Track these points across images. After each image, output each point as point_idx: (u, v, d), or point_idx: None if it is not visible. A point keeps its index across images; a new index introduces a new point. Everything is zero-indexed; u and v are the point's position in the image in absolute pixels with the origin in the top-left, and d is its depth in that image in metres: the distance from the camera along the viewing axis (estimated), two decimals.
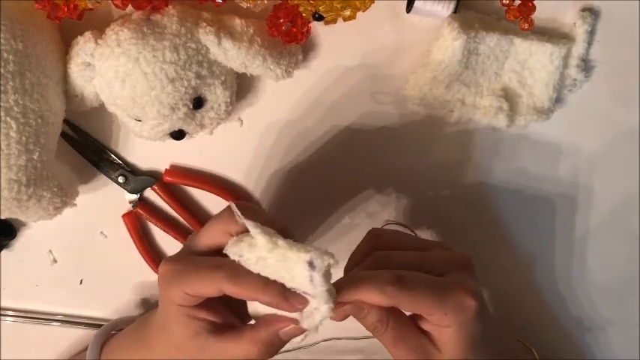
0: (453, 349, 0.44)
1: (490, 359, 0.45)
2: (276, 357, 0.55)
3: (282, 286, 0.41)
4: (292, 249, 0.41)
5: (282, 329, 0.43)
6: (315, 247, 0.41)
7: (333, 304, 0.41)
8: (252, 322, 0.45)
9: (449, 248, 0.49)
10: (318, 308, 0.41)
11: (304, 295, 0.41)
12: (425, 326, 0.45)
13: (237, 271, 0.42)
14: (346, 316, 0.45)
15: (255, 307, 0.44)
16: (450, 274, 0.45)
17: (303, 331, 0.43)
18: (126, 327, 0.54)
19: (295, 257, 0.40)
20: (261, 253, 0.41)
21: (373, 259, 0.46)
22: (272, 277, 0.41)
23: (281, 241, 0.41)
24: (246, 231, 0.43)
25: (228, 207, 0.44)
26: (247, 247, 0.42)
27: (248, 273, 0.41)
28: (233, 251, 0.42)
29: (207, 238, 0.45)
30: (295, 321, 0.42)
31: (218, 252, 0.44)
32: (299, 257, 0.40)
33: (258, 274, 0.41)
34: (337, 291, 0.41)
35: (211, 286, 0.42)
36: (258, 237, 0.41)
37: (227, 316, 0.46)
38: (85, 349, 0.58)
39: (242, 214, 0.42)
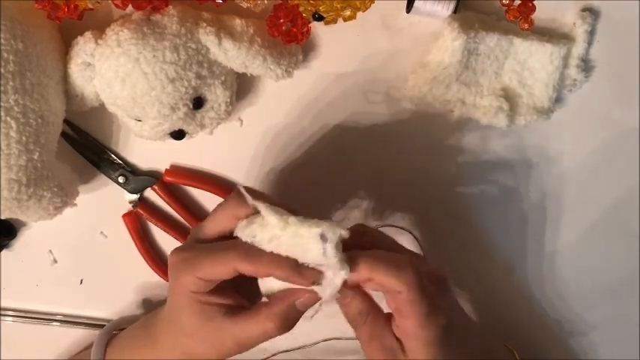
0: (417, 351, 0.44)
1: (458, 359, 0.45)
2: (276, 357, 0.55)
3: (296, 261, 0.42)
4: (304, 225, 0.42)
5: (297, 300, 0.43)
6: (326, 220, 0.42)
7: (347, 273, 0.41)
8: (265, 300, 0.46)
9: (425, 262, 0.49)
10: (332, 279, 0.42)
11: (318, 267, 0.42)
12: (397, 332, 0.44)
13: (250, 250, 0.42)
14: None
15: (271, 285, 0.45)
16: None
17: (318, 299, 0.43)
18: (129, 326, 0.54)
19: (307, 232, 0.41)
20: (274, 231, 0.42)
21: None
22: (286, 254, 0.42)
23: (292, 219, 0.42)
24: (254, 214, 0.44)
25: (235, 191, 0.45)
26: (259, 228, 0.43)
27: (261, 250, 0.42)
28: (245, 233, 0.43)
29: (216, 224, 0.45)
30: (311, 291, 0.43)
31: (226, 238, 0.45)
32: (311, 232, 0.41)
33: (271, 253, 0.42)
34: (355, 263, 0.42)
35: (226, 266, 0.42)
36: (270, 216, 0.42)
37: (238, 298, 0.46)
38: (86, 349, 0.58)
39: (251, 196, 0.43)
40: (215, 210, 0.46)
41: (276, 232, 0.42)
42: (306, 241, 0.41)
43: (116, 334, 0.54)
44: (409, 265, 0.42)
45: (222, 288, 0.45)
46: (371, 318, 0.44)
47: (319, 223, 0.41)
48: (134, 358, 0.50)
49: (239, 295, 0.46)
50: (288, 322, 0.44)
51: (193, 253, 0.44)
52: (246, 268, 0.42)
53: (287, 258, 0.42)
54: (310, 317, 0.44)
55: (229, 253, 0.42)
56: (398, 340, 0.45)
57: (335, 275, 0.42)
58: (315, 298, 0.44)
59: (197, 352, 0.46)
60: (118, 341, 0.53)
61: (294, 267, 0.42)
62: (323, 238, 0.41)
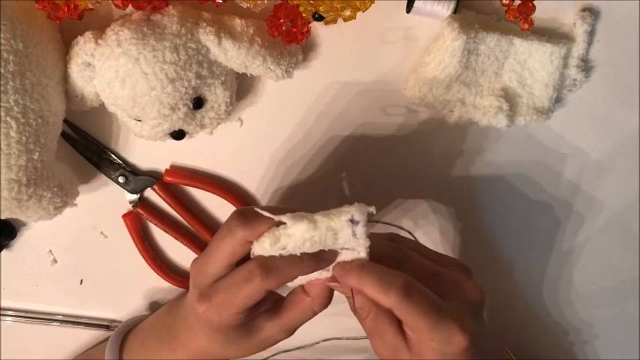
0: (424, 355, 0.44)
1: None
2: (277, 357, 0.55)
3: (311, 254, 0.44)
4: (332, 218, 0.43)
5: (330, 283, 0.45)
6: (348, 205, 0.43)
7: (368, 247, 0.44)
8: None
9: (467, 270, 0.48)
10: (358, 254, 0.44)
11: (342, 250, 0.44)
12: (408, 331, 0.44)
13: (268, 265, 0.43)
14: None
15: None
16: (456, 302, 0.44)
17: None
18: (140, 325, 0.54)
19: (338, 223, 0.43)
20: (305, 236, 0.43)
21: (393, 248, 0.46)
22: (320, 248, 0.43)
23: (318, 216, 0.43)
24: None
25: (235, 217, 0.44)
26: (287, 238, 0.43)
27: (278, 261, 0.43)
28: (274, 249, 0.43)
29: (225, 256, 0.45)
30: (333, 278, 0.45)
31: (234, 265, 0.45)
32: (341, 221, 0.42)
33: (285, 257, 0.43)
34: (346, 272, 0.44)
35: (256, 294, 0.43)
36: (298, 224, 0.42)
37: (270, 294, 0.47)
38: (90, 349, 0.58)
39: (262, 215, 0.43)
40: (217, 239, 0.45)
41: (307, 235, 0.43)
42: (337, 230, 0.43)
43: (126, 336, 0.54)
44: (399, 281, 0.42)
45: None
46: (374, 312, 0.44)
47: (346, 210, 0.43)
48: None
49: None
50: (329, 300, 0.46)
51: (220, 297, 0.45)
52: (275, 283, 0.43)
53: (305, 253, 0.43)
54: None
55: (254, 280, 0.43)
56: (404, 334, 0.44)
57: (360, 252, 0.44)
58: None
59: (238, 356, 0.49)
60: (132, 343, 0.53)
61: (315, 257, 0.44)
62: (353, 221, 0.42)
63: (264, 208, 0.44)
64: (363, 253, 0.44)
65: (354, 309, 0.45)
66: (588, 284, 0.61)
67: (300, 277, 0.45)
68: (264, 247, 0.43)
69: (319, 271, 0.45)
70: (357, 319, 0.46)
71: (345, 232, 0.43)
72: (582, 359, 0.62)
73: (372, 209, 0.43)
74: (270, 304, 0.47)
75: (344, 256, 0.45)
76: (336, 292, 0.47)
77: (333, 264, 0.45)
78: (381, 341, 0.45)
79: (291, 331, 0.48)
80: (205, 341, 0.48)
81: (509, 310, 0.61)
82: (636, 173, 0.59)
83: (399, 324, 0.44)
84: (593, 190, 0.59)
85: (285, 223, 0.43)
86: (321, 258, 0.44)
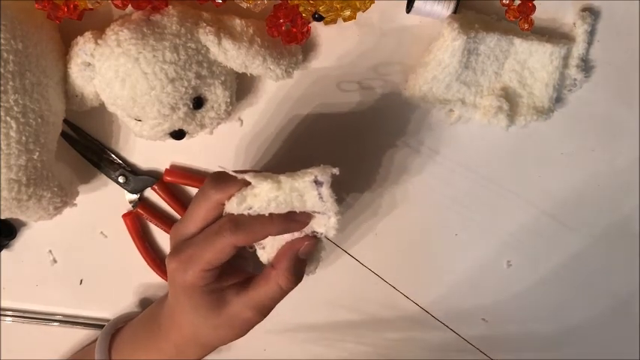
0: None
1: None
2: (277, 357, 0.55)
3: (283, 214, 0.44)
4: (296, 178, 0.43)
5: (299, 250, 0.46)
6: (313, 166, 0.43)
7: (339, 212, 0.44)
8: None
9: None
10: (329, 218, 0.45)
11: (312, 213, 0.44)
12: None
13: (239, 221, 0.44)
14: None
15: (269, 252, 0.47)
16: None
17: (317, 240, 0.46)
18: (130, 322, 0.54)
19: (302, 183, 0.43)
20: (269, 195, 0.43)
21: None
22: (287, 210, 0.44)
23: (282, 177, 0.44)
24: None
25: (210, 180, 0.46)
26: (253, 198, 0.44)
27: (248, 218, 0.44)
28: (241, 209, 0.44)
29: (198, 218, 0.46)
30: (308, 238, 0.46)
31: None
32: (304, 182, 0.43)
33: (258, 215, 0.44)
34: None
35: (225, 249, 0.44)
36: (262, 183, 0.43)
37: (241, 271, 0.48)
38: (83, 349, 0.58)
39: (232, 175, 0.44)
40: (193, 206, 0.46)
41: (272, 195, 0.43)
42: (302, 191, 0.43)
43: (117, 333, 0.54)
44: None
45: (224, 270, 0.46)
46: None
47: (310, 171, 0.43)
48: (141, 359, 0.51)
49: (239, 267, 0.48)
50: (297, 274, 0.46)
51: (189, 251, 0.45)
52: (244, 239, 0.44)
53: (275, 214, 0.44)
54: (313, 273, 0.48)
55: (224, 234, 0.43)
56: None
57: (330, 216, 0.44)
58: (314, 242, 0.46)
59: (216, 340, 0.48)
60: (121, 340, 0.53)
61: (285, 217, 0.44)
62: (317, 182, 0.43)
63: (236, 171, 0.45)
64: (332, 218, 0.44)
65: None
66: (588, 284, 0.61)
67: (273, 246, 0.46)
68: (232, 206, 0.44)
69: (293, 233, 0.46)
70: None
71: (310, 195, 0.43)
72: (582, 359, 0.62)
73: (336, 170, 0.43)
74: (242, 280, 0.47)
75: (317, 221, 0.45)
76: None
77: (308, 229, 0.45)
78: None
79: (259, 309, 0.46)
80: (178, 313, 0.47)
81: (508, 310, 0.61)
82: (636, 173, 0.59)
83: None
84: (593, 190, 0.59)
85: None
86: (291, 219, 0.44)
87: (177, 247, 0.46)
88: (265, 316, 0.47)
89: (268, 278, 0.46)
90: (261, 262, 0.48)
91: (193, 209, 0.46)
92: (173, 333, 0.49)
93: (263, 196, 0.43)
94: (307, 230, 0.46)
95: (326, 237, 0.46)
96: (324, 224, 0.45)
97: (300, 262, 0.46)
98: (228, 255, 0.44)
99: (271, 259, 0.47)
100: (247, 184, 0.44)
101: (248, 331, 0.47)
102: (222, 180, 0.45)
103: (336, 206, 0.44)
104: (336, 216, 0.45)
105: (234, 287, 0.47)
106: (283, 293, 0.46)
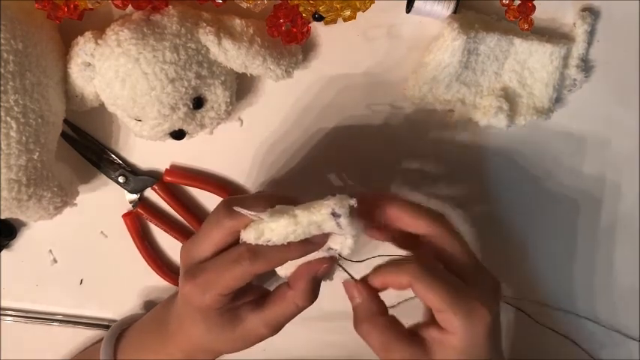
0: (447, 355, 0.43)
1: None
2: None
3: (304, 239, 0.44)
4: (313, 212, 0.42)
5: (316, 272, 0.46)
6: (329, 197, 0.43)
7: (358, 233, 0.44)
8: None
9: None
10: (345, 240, 0.45)
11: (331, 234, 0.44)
12: (426, 333, 0.44)
13: (258, 252, 0.43)
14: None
15: (286, 268, 0.47)
16: (475, 286, 0.44)
17: (335, 260, 0.46)
18: (135, 323, 0.54)
19: (319, 217, 0.42)
20: (287, 230, 0.43)
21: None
22: (307, 237, 0.44)
23: (298, 211, 0.43)
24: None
25: (223, 206, 0.45)
26: (270, 232, 0.43)
27: (266, 248, 0.43)
28: (259, 242, 0.43)
29: (212, 242, 0.45)
30: (325, 260, 0.46)
31: (224, 250, 0.45)
32: (322, 215, 0.42)
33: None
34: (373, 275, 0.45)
35: (244, 276, 0.43)
36: (279, 221, 0.42)
37: (256, 287, 0.48)
38: (87, 349, 0.58)
39: (245, 207, 0.43)
40: (206, 228, 0.46)
41: (290, 229, 0.43)
42: (320, 223, 0.43)
43: (122, 334, 0.54)
44: (415, 262, 0.44)
45: (239, 289, 0.46)
46: (381, 325, 0.45)
47: (327, 203, 0.42)
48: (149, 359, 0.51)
49: (254, 285, 0.48)
50: (314, 294, 0.46)
51: (205, 276, 0.45)
52: (263, 268, 0.44)
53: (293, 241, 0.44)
54: (331, 280, 0.48)
55: (242, 262, 0.43)
56: (421, 341, 0.45)
57: (346, 239, 0.44)
58: (331, 265, 0.46)
59: (227, 350, 0.48)
60: (126, 341, 0.53)
61: (302, 244, 0.44)
62: (334, 214, 0.42)
63: (248, 198, 0.45)
64: (349, 240, 0.44)
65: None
66: (588, 284, 0.61)
67: (290, 263, 0.46)
68: (249, 237, 0.44)
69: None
70: (362, 336, 0.46)
71: (328, 225, 0.43)
72: (582, 359, 0.62)
73: (353, 202, 0.42)
74: (256, 297, 0.47)
75: (333, 239, 0.45)
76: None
77: (324, 247, 0.45)
78: (393, 354, 0.45)
79: (274, 327, 0.47)
80: (189, 327, 0.47)
81: (508, 311, 0.61)
82: (636, 173, 0.59)
83: (407, 334, 0.45)
84: (593, 190, 0.59)
85: None
86: (309, 242, 0.44)
87: (191, 271, 0.46)
88: (278, 332, 0.48)
89: (285, 297, 0.46)
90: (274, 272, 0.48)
91: (206, 234, 0.45)
92: (182, 340, 0.49)
93: (281, 231, 0.43)
94: (324, 247, 0.45)
95: (339, 255, 0.46)
96: (340, 242, 0.45)
97: (317, 283, 0.46)
98: (246, 282, 0.44)
99: (288, 274, 0.47)
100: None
101: (258, 342, 0.48)
102: (235, 210, 0.44)
103: (353, 230, 0.43)
104: (353, 238, 0.44)
105: (249, 304, 0.47)
106: (299, 312, 0.47)
